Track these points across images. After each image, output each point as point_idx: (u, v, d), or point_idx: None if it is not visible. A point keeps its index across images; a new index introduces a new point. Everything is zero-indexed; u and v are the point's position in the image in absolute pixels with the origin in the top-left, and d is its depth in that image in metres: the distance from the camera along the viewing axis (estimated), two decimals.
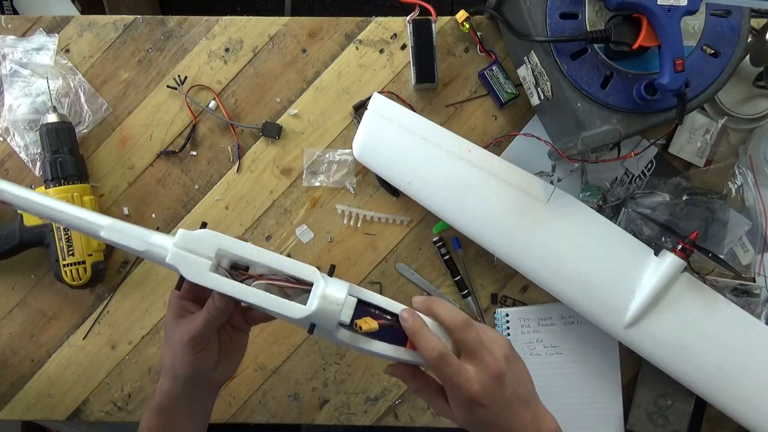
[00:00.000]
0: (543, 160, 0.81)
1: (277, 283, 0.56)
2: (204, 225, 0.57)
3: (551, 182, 0.77)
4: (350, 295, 0.55)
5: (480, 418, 0.54)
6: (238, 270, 0.58)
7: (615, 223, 0.76)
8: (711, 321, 0.73)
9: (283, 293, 0.57)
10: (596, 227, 0.76)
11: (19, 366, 0.84)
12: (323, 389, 0.84)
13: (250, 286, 0.55)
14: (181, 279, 0.55)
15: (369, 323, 0.54)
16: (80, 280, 0.79)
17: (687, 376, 0.74)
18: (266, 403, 0.84)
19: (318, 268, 0.56)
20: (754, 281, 0.79)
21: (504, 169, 0.77)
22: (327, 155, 0.83)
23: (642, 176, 0.81)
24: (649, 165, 0.81)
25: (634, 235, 0.76)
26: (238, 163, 0.84)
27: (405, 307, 0.57)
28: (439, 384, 0.57)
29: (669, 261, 0.72)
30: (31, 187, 0.82)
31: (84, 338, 0.84)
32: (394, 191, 0.83)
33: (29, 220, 0.79)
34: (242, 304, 0.59)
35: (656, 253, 0.74)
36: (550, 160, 0.81)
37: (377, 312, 0.56)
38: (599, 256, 0.75)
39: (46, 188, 0.78)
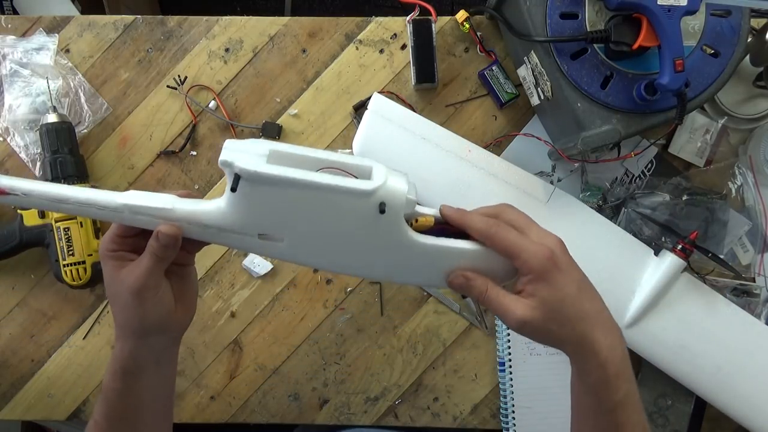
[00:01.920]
0: (543, 160, 0.81)
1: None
2: None
3: (551, 182, 0.77)
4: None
5: (562, 288, 0.49)
6: None
7: (615, 223, 0.76)
8: (711, 321, 0.73)
9: None
10: (596, 227, 0.76)
11: (19, 366, 0.84)
12: (323, 389, 0.84)
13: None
14: (236, 181, 0.49)
15: (425, 218, 0.52)
16: (80, 280, 0.79)
17: (687, 376, 0.74)
18: (266, 403, 0.84)
19: None
20: (754, 281, 0.79)
21: (504, 169, 0.77)
22: None
23: (642, 176, 0.81)
24: (649, 165, 0.81)
25: (634, 235, 0.76)
26: None
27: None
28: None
29: (669, 261, 0.72)
30: None
31: (84, 338, 0.84)
32: None
33: (29, 220, 0.79)
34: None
35: (656, 253, 0.74)
36: (550, 160, 0.81)
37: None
38: (599, 256, 0.75)
39: None
